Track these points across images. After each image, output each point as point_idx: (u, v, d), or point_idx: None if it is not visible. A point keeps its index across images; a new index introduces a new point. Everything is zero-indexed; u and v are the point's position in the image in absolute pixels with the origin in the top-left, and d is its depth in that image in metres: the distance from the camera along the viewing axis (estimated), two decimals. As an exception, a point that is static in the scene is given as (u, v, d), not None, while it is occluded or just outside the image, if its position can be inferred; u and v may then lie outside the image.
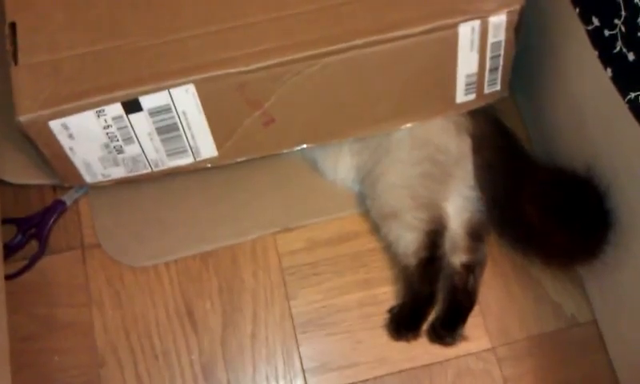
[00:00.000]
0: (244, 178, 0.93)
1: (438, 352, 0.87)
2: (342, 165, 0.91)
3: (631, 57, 0.68)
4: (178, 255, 0.92)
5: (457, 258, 0.87)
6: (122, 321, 0.88)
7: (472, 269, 0.87)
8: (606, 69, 0.72)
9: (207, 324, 0.88)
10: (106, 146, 0.82)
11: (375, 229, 0.91)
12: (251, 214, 0.93)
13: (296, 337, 0.87)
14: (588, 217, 0.80)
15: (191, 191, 0.94)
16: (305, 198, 0.94)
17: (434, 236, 0.85)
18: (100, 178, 0.87)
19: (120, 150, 0.83)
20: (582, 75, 0.81)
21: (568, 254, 0.83)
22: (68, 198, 0.94)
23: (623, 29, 0.68)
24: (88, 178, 0.87)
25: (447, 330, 0.86)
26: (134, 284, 0.90)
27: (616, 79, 0.71)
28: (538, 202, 0.82)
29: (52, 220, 0.92)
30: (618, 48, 0.70)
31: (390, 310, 0.88)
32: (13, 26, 0.81)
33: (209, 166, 0.87)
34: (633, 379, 0.83)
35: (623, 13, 0.68)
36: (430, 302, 0.86)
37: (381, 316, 0.88)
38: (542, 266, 0.88)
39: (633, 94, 0.68)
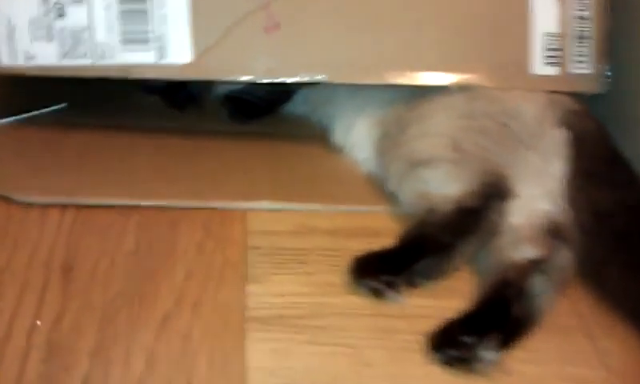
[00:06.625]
0: (211, 147, 0.67)
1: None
2: (358, 126, 0.65)
3: None
4: (85, 201, 0.59)
5: (518, 252, 0.53)
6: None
7: (541, 268, 0.52)
8: None
9: (88, 287, 0.51)
10: (45, 1, 0.59)
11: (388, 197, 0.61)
12: (215, 183, 0.63)
13: (244, 335, 0.48)
14: None
15: (139, 149, 0.66)
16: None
17: (488, 190, 0.56)
18: (21, 61, 0.61)
19: (61, 12, 0.60)
20: None
21: None
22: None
23: None
24: (5, 58, 0.61)
25: (469, 335, 0.47)
26: (15, 223, 0.56)
27: None
28: None
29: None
30: None
31: None
32: None
33: (174, 78, 0.62)
34: None
35: None
36: (445, 251, 0.54)
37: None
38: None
39: None
